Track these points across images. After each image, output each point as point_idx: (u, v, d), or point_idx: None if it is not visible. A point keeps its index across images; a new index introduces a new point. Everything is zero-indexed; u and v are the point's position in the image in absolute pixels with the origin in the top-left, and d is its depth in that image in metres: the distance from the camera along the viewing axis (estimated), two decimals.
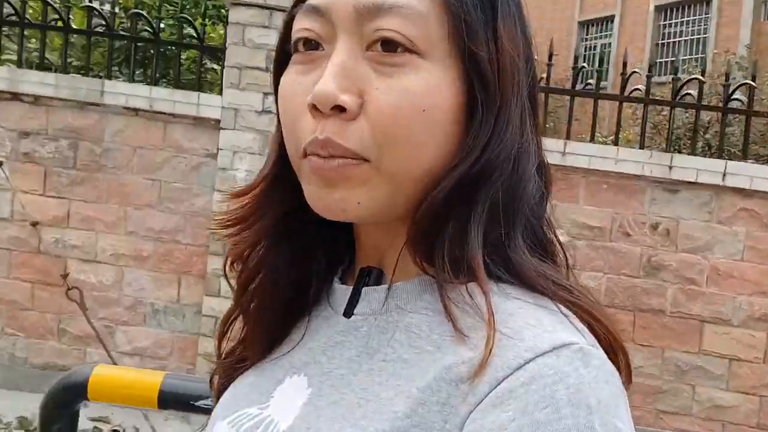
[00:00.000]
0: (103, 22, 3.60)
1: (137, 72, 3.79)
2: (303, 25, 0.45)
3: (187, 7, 4.30)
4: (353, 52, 0.43)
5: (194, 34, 3.67)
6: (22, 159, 3.44)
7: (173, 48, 3.77)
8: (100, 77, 3.61)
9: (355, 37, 0.43)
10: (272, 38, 3.13)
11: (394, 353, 0.45)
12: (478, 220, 0.44)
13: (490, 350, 0.39)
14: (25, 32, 3.66)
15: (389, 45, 0.43)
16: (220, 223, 0.53)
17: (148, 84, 3.56)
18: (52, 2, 3.60)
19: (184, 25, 3.67)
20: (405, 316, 0.46)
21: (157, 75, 3.70)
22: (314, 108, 0.42)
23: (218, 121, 3.30)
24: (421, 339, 0.44)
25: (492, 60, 0.44)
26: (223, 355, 0.57)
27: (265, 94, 3.19)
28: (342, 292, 0.52)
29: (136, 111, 3.42)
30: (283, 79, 0.48)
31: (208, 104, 3.35)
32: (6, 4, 3.57)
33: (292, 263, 0.53)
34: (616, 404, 0.39)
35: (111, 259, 3.45)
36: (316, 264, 0.54)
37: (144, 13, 3.73)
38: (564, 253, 0.50)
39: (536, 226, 0.48)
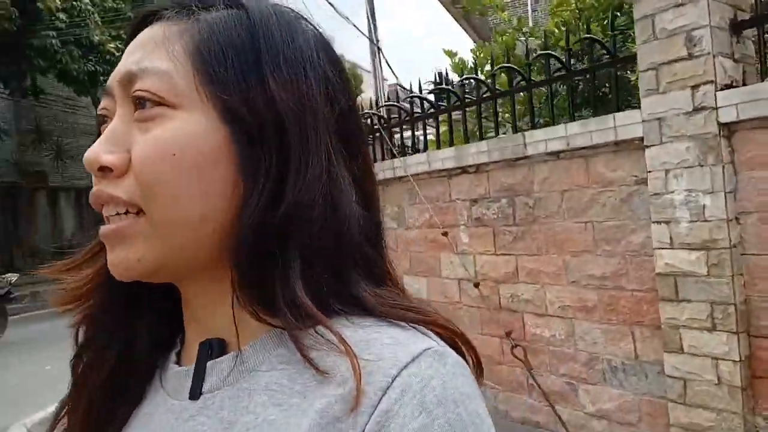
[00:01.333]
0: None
1: (577, 113, 3.37)
2: (101, 106, 0.50)
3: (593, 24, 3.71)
4: (125, 117, 0.47)
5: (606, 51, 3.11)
6: (475, 224, 3.62)
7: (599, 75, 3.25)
8: (537, 127, 3.36)
9: (126, 105, 0.47)
10: (691, 16, 2.48)
11: (258, 418, 0.43)
12: (295, 265, 0.44)
13: (359, 376, 0.40)
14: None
15: (143, 102, 0.46)
16: (59, 300, 0.53)
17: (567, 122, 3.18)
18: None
19: (596, 45, 3.16)
20: (261, 377, 0.45)
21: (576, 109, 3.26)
22: (94, 175, 0.47)
23: (642, 140, 2.73)
24: (284, 394, 0.44)
25: (253, 104, 0.45)
26: None
27: (693, 87, 2.50)
28: (181, 375, 0.50)
29: (557, 154, 3.13)
30: None
31: (626, 123, 2.80)
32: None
33: (127, 345, 0.53)
34: (474, 394, 0.42)
35: (560, 312, 3.17)
36: (144, 349, 0.54)
37: (552, 52, 3.35)
38: (393, 274, 0.52)
39: (371, 256, 0.49)
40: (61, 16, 12.57)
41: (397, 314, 0.46)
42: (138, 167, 0.45)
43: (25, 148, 16.12)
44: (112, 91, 0.48)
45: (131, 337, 0.53)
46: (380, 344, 0.43)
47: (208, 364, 0.48)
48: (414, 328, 0.45)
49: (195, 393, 0.48)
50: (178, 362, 0.52)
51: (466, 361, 0.46)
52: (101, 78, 13.54)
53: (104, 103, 0.49)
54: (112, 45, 13.28)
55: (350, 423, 0.40)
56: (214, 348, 0.48)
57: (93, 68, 13.20)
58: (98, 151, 0.45)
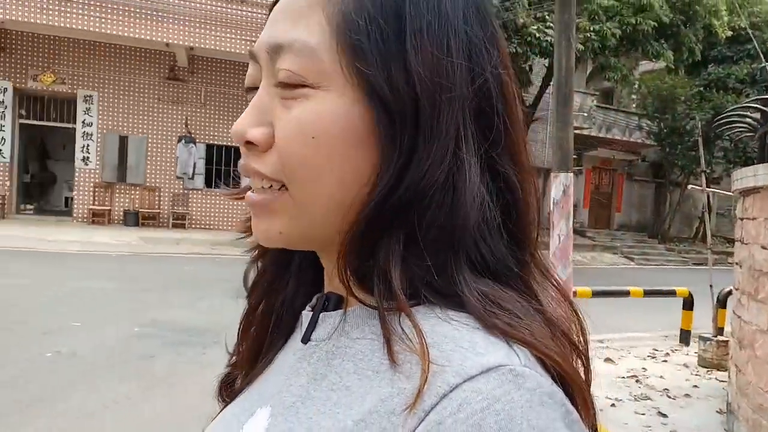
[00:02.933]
0: None
1: None
2: (248, 73, 0.50)
3: None
4: (269, 88, 0.47)
5: None
6: None
7: None
8: None
9: (270, 76, 0.47)
10: None
11: (341, 381, 0.44)
12: (396, 245, 0.44)
13: (425, 381, 0.38)
14: None
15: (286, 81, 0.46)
16: (249, 247, 0.58)
17: None
18: None
19: None
20: (354, 343, 0.46)
21: None
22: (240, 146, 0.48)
23: None
24: (363, 363, 0.44)
25: (395, 83, 0.43)
26: (234, 357, 0.61)
27: None
28: (306, 318, 0.52)
29: None
30: None
31: None
32: None
33: (287, 288, 0.57)
34: (554, 428, 0.37)
35: None
36: (299, 290, 0.57)
37: None
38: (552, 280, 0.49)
39: (494, 252, 0.45)
40: (494, 1, 13.67)
41: (492, 313, 0.42)
42: (280, 147, 0.45)
43: None
44: (257, 58, 0.48)
45: (295, 277, 0.57)
46: (453, 345, 0.40)
47: (321, 315, 0.50)
48: (503, 336, 0.40)
49: (305, 338, 0.50)
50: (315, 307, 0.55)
51: (575, 403, 0.40)
52: (520, 61, 14.26)
53: (250, 69, 0.49)
54: (534, 27, 13.75)
55: (401, 420, 0.38)
56: (330, 302, 0.51)
57: (514, 50, 13.95)
58: (245, 125, 0.46)
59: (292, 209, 0.46)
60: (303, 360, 0.49)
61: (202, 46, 14.25)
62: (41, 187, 17.87)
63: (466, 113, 0.45)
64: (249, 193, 0.49)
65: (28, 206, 15.89)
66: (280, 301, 0.57)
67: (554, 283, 0.49)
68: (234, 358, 0.61)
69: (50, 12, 12.51)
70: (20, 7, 12.33)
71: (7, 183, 13.92)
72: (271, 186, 0.46)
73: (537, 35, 13.73)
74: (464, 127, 0.44)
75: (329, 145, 0.44)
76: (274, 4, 0.49)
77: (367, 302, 0.45)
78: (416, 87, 0.43)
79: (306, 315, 0.53)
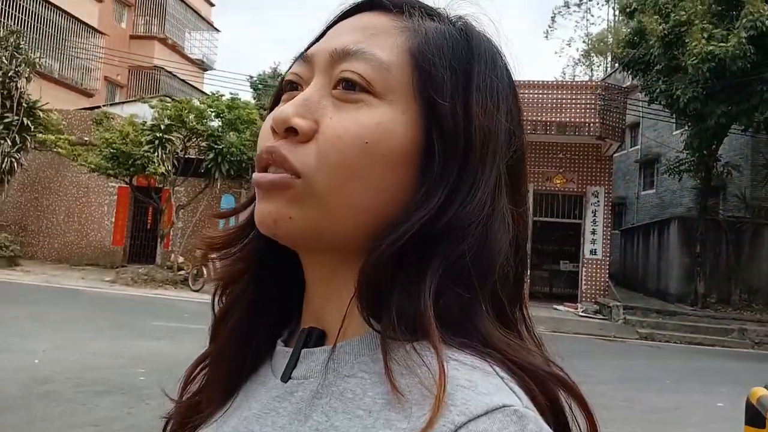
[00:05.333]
0: None
1: None
2: (292, 71, 0.52)
3: None
4: (321, 88, 0.49)
5: None
6: None
7: None
8: None
9: (326, 77, 0.49)
10: None
11: (327, 421, 0.43)
12: (433, 277, 0.44)
13: (433, 420, 0.38)
14: None
15: (350, 84, 0.47)
16: (208, 243, 0.56)
17: None
18: None
19: None
20: (341, 381, 0.45)
21: None
22: (273, 131, 0.48)
23: None
24: (354, 402, 0.43)
25: (456, 116, 0.47)
26: (184, 398, 0.58)
27: None
28: (282, 354, 0.52)
29: None
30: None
31: None
32: None
33: (251, 317, 0.54)
34: None
35: None
36: (266, 323, 0.55)
37: None
38: (533, 335, 0.51)
39: (503, 302, 0.48)
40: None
41: (523, 357, 0.45)
42: (327, 142, 0.46)
43: (757, 183, 15.84)
44: (314, 59, 0.50)
45: (263, 315, 0.55)
46: (455, 383, 0.40)
47: (303, 351, 0.50)
48: (500, 377, 0.42)
49: (285, 376, 0.50)
50: (288, 341, 0.54)
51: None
52: None
53: (299, 69, 0.51)
54: None
55: None
56: (312, 337, 0.50)
57: None
58: (290, 113, 0.47)
59: (309, 199, 0.46)
60: (282, 399, 0.48)
61: None
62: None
63: (503, 168, 0.50)
64: (258, 175, 0.48)
65: None
66: (245, 334, 0.54)
67: (535, 338, 0.51)
68: (188, 400, 0.58)
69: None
70: None
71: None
72: (282, 172, 0.47)
73: None
74: (501, 179, 0.49)
75: (377, 154, 0.46)
76: (332, 24, 0.53)
77: (374, 328, 0.45)
78: (473, 128, 0.47)
79: (282, 351, 0.52)
